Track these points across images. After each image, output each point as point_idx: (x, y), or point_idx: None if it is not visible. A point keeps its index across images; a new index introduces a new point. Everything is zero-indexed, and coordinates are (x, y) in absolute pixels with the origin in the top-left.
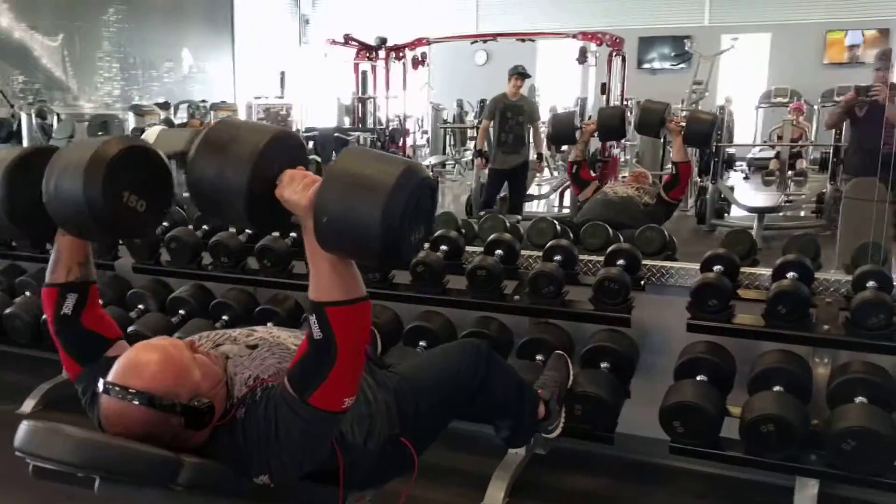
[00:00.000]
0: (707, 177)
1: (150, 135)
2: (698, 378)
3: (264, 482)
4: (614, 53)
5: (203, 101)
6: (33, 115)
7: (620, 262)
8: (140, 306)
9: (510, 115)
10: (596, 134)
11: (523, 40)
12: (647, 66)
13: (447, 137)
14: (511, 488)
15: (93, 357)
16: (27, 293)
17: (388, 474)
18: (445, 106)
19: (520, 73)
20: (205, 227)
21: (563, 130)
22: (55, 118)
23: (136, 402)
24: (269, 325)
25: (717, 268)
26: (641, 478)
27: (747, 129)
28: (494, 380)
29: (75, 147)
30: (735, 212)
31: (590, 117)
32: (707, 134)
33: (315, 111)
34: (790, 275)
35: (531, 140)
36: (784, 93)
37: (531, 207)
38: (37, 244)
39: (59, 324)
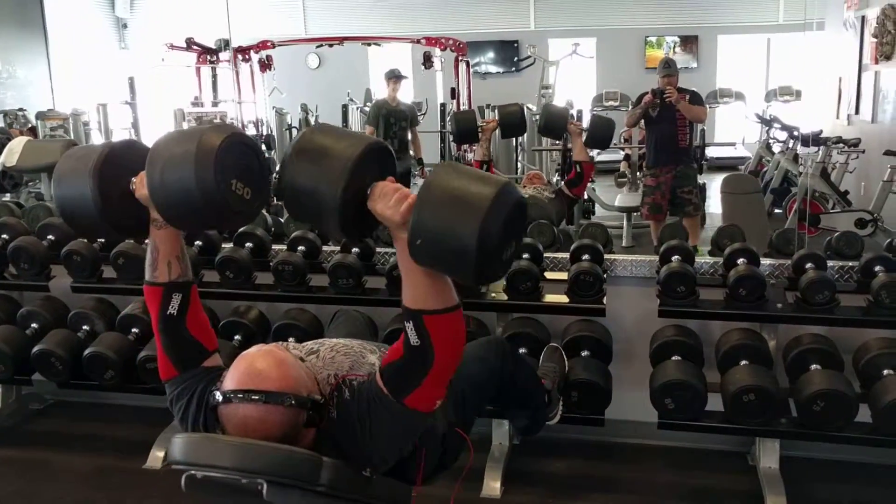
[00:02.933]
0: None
1: (15, 147)
2: (674, 358)
3: (368, 475)
4: (459, 58)
5: (21, 109)
6: None
7: (586, 256)
8: (85, 327)
9: (393, 120)
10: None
11: (368, 44)
12: (475, 70)
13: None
14: (503, 478)
15: (191, 364)
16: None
17: (444, 465)
18: (288, 110)
19: (396, 76)
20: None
21: (466, 129)
22: None
23: (271, 404)
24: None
25: (675, 257)
26: (615, 457)
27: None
28: (519, 372)
29: (171, 139)
30: (599, 211)
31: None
32: (609, 137)
33: (154, 119)
34: (741, 260)
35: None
36: (614, 96)
37: None
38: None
39: (165, 322)
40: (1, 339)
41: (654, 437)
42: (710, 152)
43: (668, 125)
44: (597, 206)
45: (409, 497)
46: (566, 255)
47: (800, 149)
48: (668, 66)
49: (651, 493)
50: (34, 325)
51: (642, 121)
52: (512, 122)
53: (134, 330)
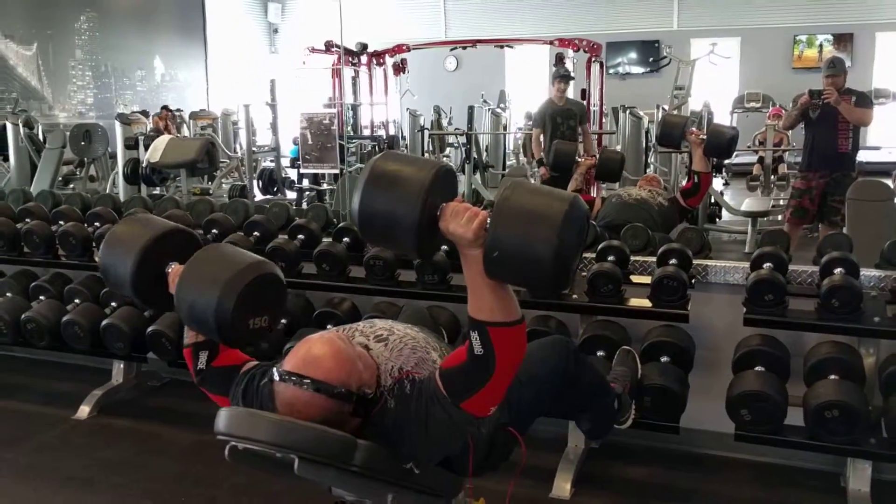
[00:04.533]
0: None
1: (159, 145)
2: (756, 369)
3: (411, 468)
4: (592, 59)
5: (178, 109)
6: (20, 126)
7: (673, 261)
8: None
9: (560, 120)
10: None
11: (501, 47)
12: (614, 70)
13: (425, 143)
14: (574, 480)
15: (232, 383)
16: (42, 297)
17: (494, 462)
18: (422, 112)
19: (562, 76)
20: (256, 233)
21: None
22: (39, 128)
23: (318, 392)
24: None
25: (767, 265)
26: (696, 468)
27: None
28: (582, 375)
29: (210, 259)
30: (725, 216)
31: None
32: (728, 146)
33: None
34: (838, 270)
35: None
36: (756, 97)
37: None
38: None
39: (199, 376)
40: (121, 319)
41: (739, 450)
42: (861, 156)
43: (828, 128)
44: (723, 210)
45: (453, 487)
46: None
47: None
48: (833, 66)
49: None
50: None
51: (801, 123)
52: (610, 167)
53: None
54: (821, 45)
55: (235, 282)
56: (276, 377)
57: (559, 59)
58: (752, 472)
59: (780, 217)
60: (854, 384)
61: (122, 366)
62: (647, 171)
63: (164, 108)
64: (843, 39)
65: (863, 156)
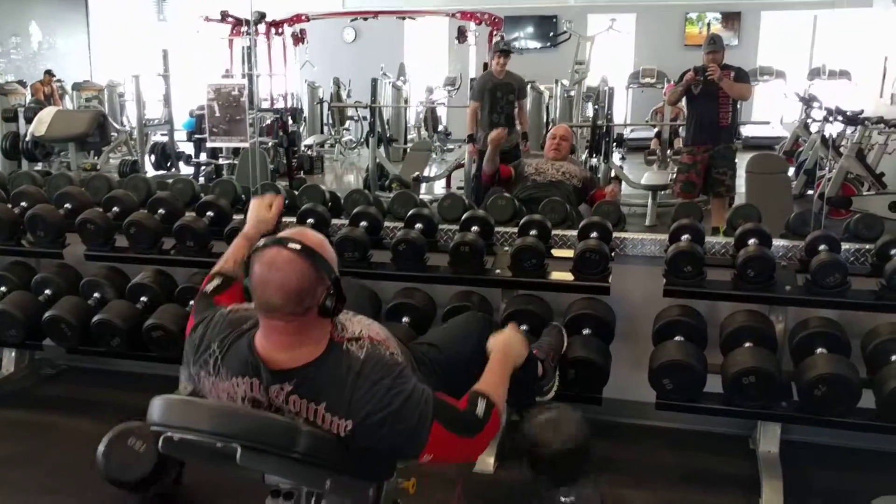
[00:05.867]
0: (598, 156)
1: (45, 117)
2: (675, 339)
3: (345, 429)
4: (494, 32)
5: (58, 80)
6: None
7: (594, 234)
8: (97, 295)
9: (500, 94)
10: None
11: (403, 18)
12: (513, 45)
13: (323, 116)
14: (498, 454)
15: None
16: None
17: None
18: (321, 84)
19: (502, 51)
20: (161, 210)
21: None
22: None
23: (302, 254)
24: None
25: (685, 237)
26: (614, 437)
27: (619, 110)
28: None
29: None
30: (625, 189)
31: None
32: None
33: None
34: (751, 241)
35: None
36: (651, 73)
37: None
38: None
39: (198, 296)
40: (14, 304)
41: (656, 418)
42: (746, 131)
43: (710, 103)
44: (623, 185)
45: (391, 472)
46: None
47: (828, 129)
48: (714, 42)
49: (646, 472)
50: (47, 291)
51: (684, 99)
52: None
53: (143, 298)
54: (708, 24)
55: None
56: (261, 244)
57: (461, 32)
58: (666, 438)
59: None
60: (768, 351)
61: (13, 354)
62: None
63: (47, 72)
64: (730, 18)
65: (751, 130)
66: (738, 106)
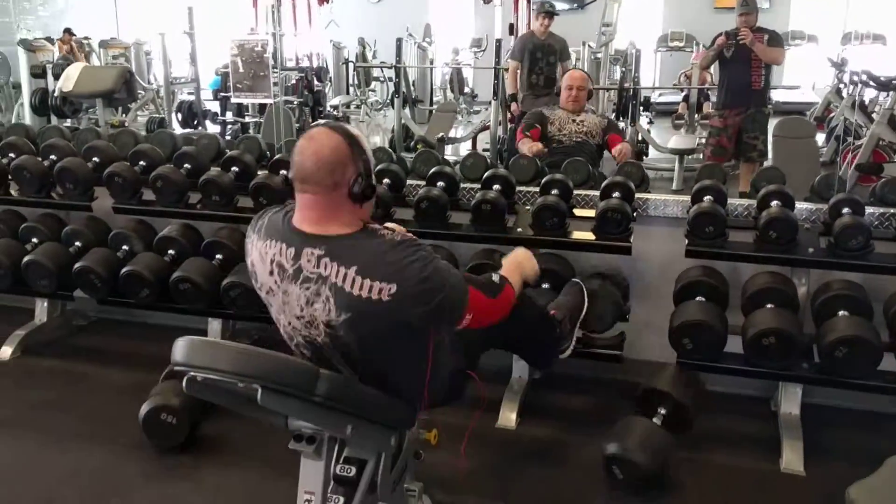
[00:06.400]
0: (626, 119)
1: (72, 73)
2: (697, 299)
3: (388, 292)
4: None
5: (86, 37)
6: None
7: (616, 194)
8: (125, 247)
9: (540, 55)
10: None
11: None
12: (539, 5)
13: (349, 77)
14: (520, 410)
15: None
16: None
17: (449, 400)
18: (346, 45)
19: (547, 12)
20: (187, 165)
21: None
22: None
23: (345, 136)
24: None
25: (707, 198)
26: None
27: (647, 73)
28: (524, 310)
29: None
30: (652, 153)
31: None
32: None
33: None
34: (774, 203)
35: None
36: (680, 36)
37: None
38: None
39: None
40: (45, 255)
41: None
42: (776, 96)
43: (742, 66)
44: (650, 148)
45: (407, 418)
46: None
47: (860, 94)
48: (746, 4)
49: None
50: (77, 243)
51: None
52: None
53: (170, 251)
54: None
55: None
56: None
57: None
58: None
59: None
60: (789, 312)
61: (45, 304)
62: None
63: (67, 30)
64: None
65: (782, 95)
66: (771, 70)
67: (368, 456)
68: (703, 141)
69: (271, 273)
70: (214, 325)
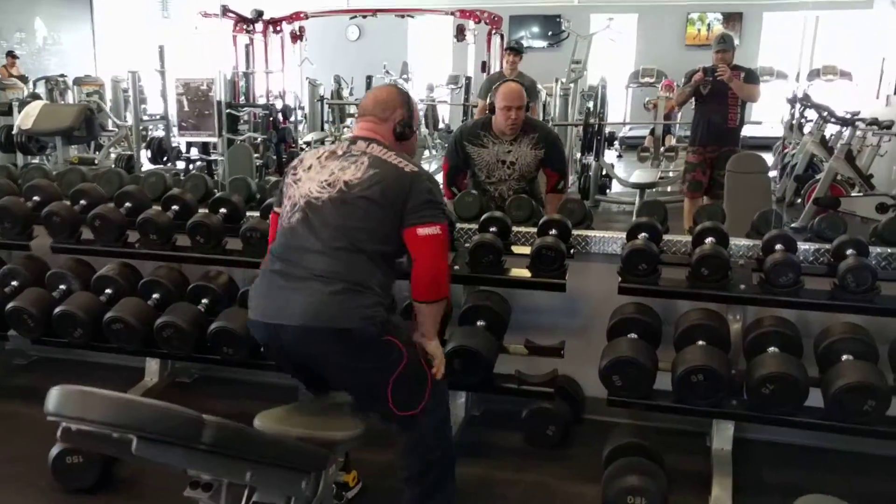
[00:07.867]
0: (590, 154)
1: (32, 111)
2: (628, 336)
3: (412, 170)
4: (493, 31)
5: (62, 75)
6: None
7: (553, 231)
8: (62, 287)
9: None
10: None
11: (402, 16)
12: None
13: (324, 114)
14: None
15: None
16: None
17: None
18: (321, 82)
19: (513, 49)
20: (128, 203)
21: None
22: None
23: (399, 91)
24: None
25: (642, 235)
26: (573, 431)
27: (618, 109)
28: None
29: None
30: (615, 187)
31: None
32: None
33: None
34: (708, 240)
35: None
36: (651, 72)
37: None
38: None
39: None
40: None
41: (614, 414)
42: (743, 131)
43: (719, 104)
44: (613, 182)
45: (319, 460)
46: None
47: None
48: (724, 41)
49: (597, 468)
50: (14, 282)
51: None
52: None
53: (107, 291)
54: (709, 25)
55: None
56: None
57: (460, 31)
58: None
59: (668, 188)
60: (718, 349)
61: None
62: None
63: (9, 53)
64: (732, 18)
65: (747, 130)
66: (748, 107)
67: (278, 501)
68: (666, 174)
69: (319, 157)
70: (152, 365)
